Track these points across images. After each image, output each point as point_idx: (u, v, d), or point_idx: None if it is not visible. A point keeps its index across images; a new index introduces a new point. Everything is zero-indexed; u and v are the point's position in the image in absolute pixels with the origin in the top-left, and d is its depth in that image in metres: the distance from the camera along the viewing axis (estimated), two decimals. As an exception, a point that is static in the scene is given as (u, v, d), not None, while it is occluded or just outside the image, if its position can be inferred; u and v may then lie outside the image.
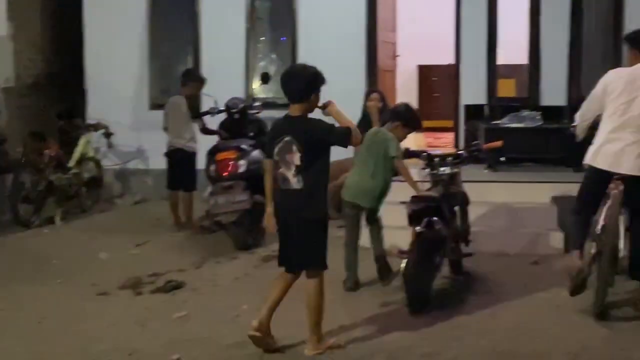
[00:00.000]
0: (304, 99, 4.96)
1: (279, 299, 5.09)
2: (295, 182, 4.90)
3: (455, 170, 6.48)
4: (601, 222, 5.51)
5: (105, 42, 10.53)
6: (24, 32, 10.87)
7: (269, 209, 5.09)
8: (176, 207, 8.63)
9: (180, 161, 8.49)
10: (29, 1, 11.04)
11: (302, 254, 5.01)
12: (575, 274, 5.62)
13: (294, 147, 4.87)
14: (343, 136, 4.94)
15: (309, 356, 4.98)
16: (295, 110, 4.98)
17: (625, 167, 5.46)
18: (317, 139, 4.91)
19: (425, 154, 6.53)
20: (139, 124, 10.36)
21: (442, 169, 6.41)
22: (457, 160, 6.51)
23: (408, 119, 6.34)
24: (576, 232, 5.76)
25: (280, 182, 4.96)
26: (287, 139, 4.90)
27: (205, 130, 8.60)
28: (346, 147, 5.04)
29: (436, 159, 6.45)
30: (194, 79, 8.70)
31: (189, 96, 8.56)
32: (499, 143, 6.71)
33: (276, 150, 4.94)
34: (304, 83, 4.99)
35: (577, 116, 5.92)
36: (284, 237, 5.08)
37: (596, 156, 5.59)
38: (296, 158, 4.87)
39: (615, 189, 5.46)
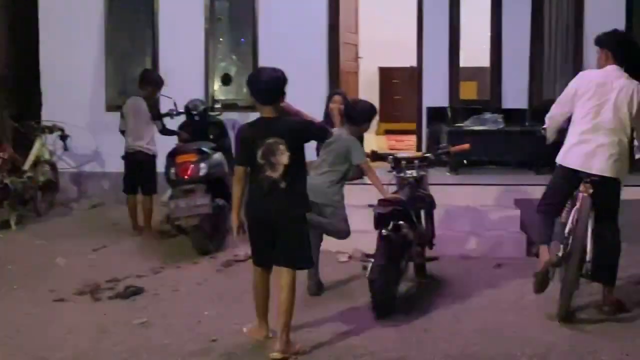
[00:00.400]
0: (277, 101, 5.08)
1: (267, 300, 5.27)
2: (282, 183, 4.97)
3: (423, 173, 6.49)
4: (569, 225, 5.56)
5: (61, 42, 10.36)
6: (-25, 32, 10.67)
7: (236, 216, 5.17)
8: (135, 211, 8.51)
9: (140, 164, 8.37)
10: (-19, 1, 10.84)
11: (292, 252, 5.08)
12: (540, 271, 5.67)
13: (282, 147, 4.94)
14: (322, 131, 5.36)
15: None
16: (269, 112, 5.06)
17: (596, 168, 5.52)
18: (302, 137, 5.10)
19: (392, 156, 6.52)
20: (95, 125, 10.22)
21: (409, 171, 6.42)
22: (424, 162, 6.52)
23: (352, 117, 6.31)
24: (543, 229, 5.82)
25: (265, 185, 4.99)
26: (270, 140, 4.95)
27: (165, 131, 8.48)
28: (324, 141, 5.52)
29: (403, 162, 6.45)
30: (152, 81, 8.59)
31: (147, 98, 8.44)
32: (466, 146, 6.70)
33: (259, 154, 4.96)
34: (277, 85, 5.09)
35: (547, 118, 5.96)
36: (264, 238, 5.13)
37: (567, 156, 5.65)
38: (284, 158, 4.94)
39: (584, 192, 5.51)
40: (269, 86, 5.06)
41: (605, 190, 5.54)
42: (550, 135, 5.95)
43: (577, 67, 9.25)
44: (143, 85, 8.51)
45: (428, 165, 6.59)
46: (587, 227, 5.46)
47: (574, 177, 5.60)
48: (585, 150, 5.56)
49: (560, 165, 5.70)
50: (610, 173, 5.55)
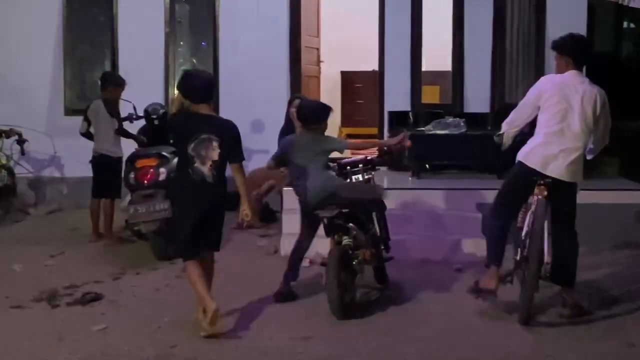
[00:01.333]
0: (211, 99, 5.77)
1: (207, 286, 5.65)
2: (210, 177, 5.51)
3: (368, 176, 6.60)
4: (525, 227, 5.67)
5: (18, 44, 10.31)
6: None
7: None
8: (96, 217, 8.47)
9: (104, 167, 8.33)
10: None
11: (218, 238, 5.79)
12: (490, 290, 5.85)
13: (214, 144, 5.48)
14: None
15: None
16: (205, 108, 5.60)
17: (554, 172, 5.64)
18: (234, 138, 5.67)
19: (335, 163, 6.60)
20: (54, 130, 10.17)
21: (354, 176, 6.55)
22: (368, 165, 6.63)
23: (305, 119, 6.34)
24: (495, 242, 5.92)
25: (193, 176, 5.50)
26: (204, 136, 5.46)
27: (122, 132, 8.43)
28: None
29: (348, 167, 6.57)
30: (113, 81, 8.54)
31: (110, 99, 8.39)
32: (404, 139, 6.64)
33: (191, 146, 5.45)
34: (213, 84, 5.90)
35: (505, 124, 6.04)
36: (196, 227, 5.56)
37: (529, 155, 5.76)
38: (215, 154, 5.48)
39: (539, 194, 5.63)
40: (208, 85, 5.71)
41: (562, 194, 5.67)
42: (507, 140, 6.05)
43: (539, 71, 9.42)
44: (104, 87, 8.46)
45: (373, 168, 6.71)
46: (544, 230, 5.58)
47: (531, 178, 5.71)
48: (549, 152, 5.68)
49: (521, 162, 5.78)
50: (568, 177, 5.68)
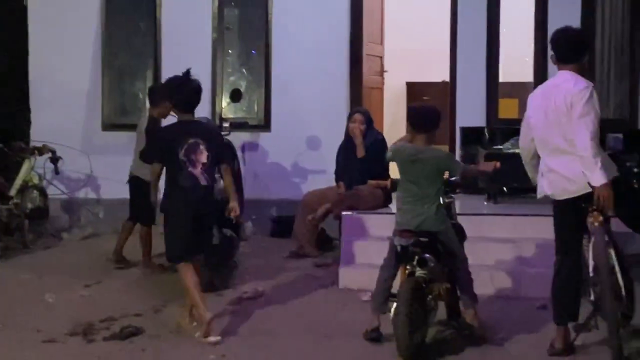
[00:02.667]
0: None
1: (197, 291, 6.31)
2: (202, 179, 6.29)
3: (449, 199, 6.52)
4: (591, 263, 5.60)
5: (53, 54, 10.54)
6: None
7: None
8: (125, 238, 8.62)
9: (136, 189, 8.36)
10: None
11: (210, 241, 6.68)
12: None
13: (201, 147, 6.29)
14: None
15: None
16: (190, 116, 6.47)
17: (579, 189, 5.57)
18: (218, 140, 6.65)
19: None
20: (90, 147, 10.34)
21: None
22: (449, 188, 6.54)
23: (420, 124, 6.22)
24: (562, 298, 5.78)
25: (186, 180, 6.26)
26: (192, 140, 6.28)
27: (141, 155, 8.43)
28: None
29: None
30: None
31: (159, 116, 8.42)
32: (492, 164, 6.63)
33: (182, 152, 6.23)
34: (201, 92, 6.59)
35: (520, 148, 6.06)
36: (189, 230, 6.29)
37: (547, 189, 5.75)
38: (204, 157, 6.29)
39: (595, 221, 5.55)
40: (199, 93, 6.54)
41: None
42: (530, 173, 6.03)
43: (634, 81, 9.28)
44: (155, 103, 8.38)
45: (454, 190, 6.62)
46: (610, 259, 5.51)
47: (573, 209, 5.63)
48: (560, 175, 5.62)
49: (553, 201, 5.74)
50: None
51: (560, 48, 5.73)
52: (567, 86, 5.55)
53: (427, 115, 6.23)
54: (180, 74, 6.53)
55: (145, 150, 7.79)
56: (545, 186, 5.76)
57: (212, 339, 6.14)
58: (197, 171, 6.28)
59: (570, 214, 5.67)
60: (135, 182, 8.37)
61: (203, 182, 6.31)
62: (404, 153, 6.14)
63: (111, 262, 8.58)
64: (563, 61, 5.70)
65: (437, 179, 6.09)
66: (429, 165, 6.05)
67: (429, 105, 6.53)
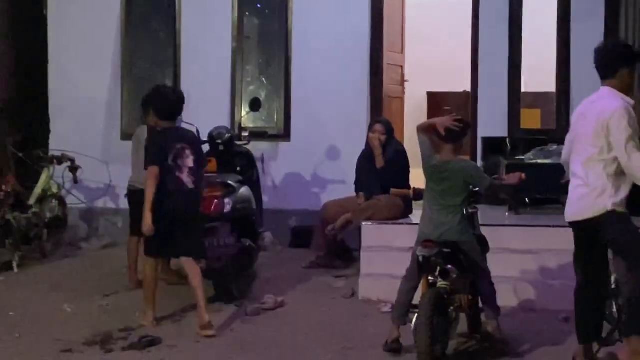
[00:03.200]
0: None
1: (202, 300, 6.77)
2: (189, 182, 6.79)
3: (472, 210, 6.49)
4: (613, 276, 5.66)
5: (73, 64, 10.61)
6: (-22, 51, 10.93)
7: (149, 213, 6.63)
8: (135, 257, 8.19)
9: (139, 203, 7.46)
10: (-15, 16, 11.12)
11: (200, 246, 6.95)
12: None
13: (187, 152, 6.81)
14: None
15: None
16: (172, 123, 7.05)
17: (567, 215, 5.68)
18: (200, 145, 7.29)
19: None
20: (109, 156, 10.39)
21: None
22: (474, 198, 6.50)
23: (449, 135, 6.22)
24: (583, 316, 5.72)
25: (173, 184, 6.73)
26: (179, 146, 6.79)
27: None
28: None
29: None
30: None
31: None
32: (517, 176, 6.58)
33: (171, 157, 6.73)
34: (183, 101, 7.15)
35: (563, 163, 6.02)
36: (167, 230, 6.71)
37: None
38: (190, 161, 6.82)
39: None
40: (181, 102, 7.10)
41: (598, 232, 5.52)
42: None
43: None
44: (148, 112, 7.95)
45: (477, 201, 6.59)
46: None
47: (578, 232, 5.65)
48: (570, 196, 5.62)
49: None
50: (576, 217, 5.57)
51: (595, 62, 5.72)
52: (601, 104, 5.51)
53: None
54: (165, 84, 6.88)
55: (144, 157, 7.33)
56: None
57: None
58: (185, 175, 6.79)
59: (577, 235, 5.68)
60: (139, 195, 7.63)
61: (190, 185, 6.81)
62: (431, 163, 6.12)
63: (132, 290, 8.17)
64: (600, 77, 5.67)
65: (463, 190, 6.07)
66: (456, 176, 6.03)
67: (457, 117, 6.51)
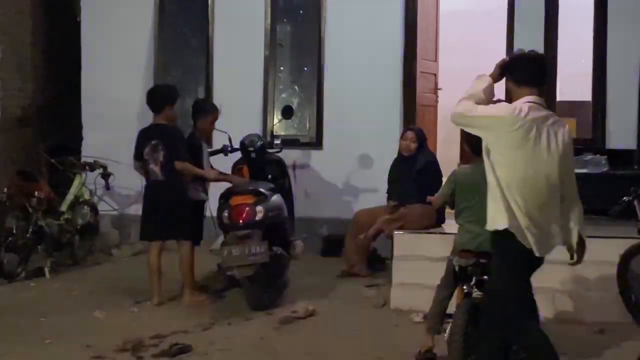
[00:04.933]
0: (160, 111, 7.97)
1: (159, 269, 7.92)
2: (160, 175, 7.80)
3: None
4: None
5: (106, 70, 10.70)
6: (12, 58, 11.08)
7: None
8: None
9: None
10: (19, 23, 11.26)
11: (177, 229, 7.85)
12: None
13: (159, 147, 7.75)
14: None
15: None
16: (159, 118, 7.97)
17: None
18: (173, 140, 7.84)
19: None
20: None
21: None
22: None
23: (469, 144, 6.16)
24: None
25: (149, 175, 7.86)
26: (154, 142, 7.78)
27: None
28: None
29: None
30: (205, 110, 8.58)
31: (200, 132, 8.44)
32: None
33: (146, 150, 7.83)
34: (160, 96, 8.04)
35: None
36: (149, 217, 7.95)
37: None
38: (160, 155, 7.75)
39: None
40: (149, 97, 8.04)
41: None
42: None
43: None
44: (195, 118, 8.45)
45: None
46: None
47: None
48: None
49: None
50: None
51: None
52: None
53: None
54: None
55: None
56: None
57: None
58: (157, 168, 7.79)
59: None
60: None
61: (160, 177, 7.80)
62: (464, 175, 6.09)
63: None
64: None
65: None
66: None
67: None
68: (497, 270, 5.19)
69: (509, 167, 4.94)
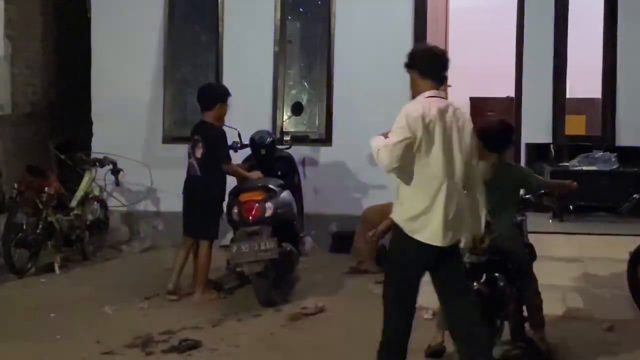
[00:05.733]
0: (208, 109, 8.07)
1: (184, 262, 8.02)
2: (198, 170, 7.86)
3: (521, 218, 6.43)
4: None
5: (115, 66, 10.69)
6: (22, 54, 11.10)
7: None
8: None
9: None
10: (29, 19, 11.29)
11: (201, 227, 7.91)
12: None
13: (200, 144, 7.88)
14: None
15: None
16: (207, 116, 8.05)
17: None
18: (213, 140, 7.96)
19: None
20: (151, 159, 10.42)
21: None
22: (522, 205, 6.45)
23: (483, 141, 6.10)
24: None
25: (189, 169, 7.95)
26: (196, 137, 7.96)
27: None
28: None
29: None
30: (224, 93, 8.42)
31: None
32: (571, 183, 6.51)
33: (189, 145, 8.00)
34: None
35: None
36: (185, 211, 8.05)
37: None
38: (199, 152, 7.89)
39: None
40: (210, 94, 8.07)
41: None
42: None
43: None
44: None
45: (526, 208, 6.53)
46: None
47: None
48: None
49: None
50: None
51: None
52: None
53: (500, 133, 6.18)
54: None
55: None
56: None
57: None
58: (195, 162, 7.88)
59: None
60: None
61: (198, 172, 7.87)
62: (486, 179, 6.07)
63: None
64: None
65: (514, 197, 6.04)
66: (508, 183, 6.00)
67: (500, 121, 6.48)
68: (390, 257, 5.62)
69: (423, 162, 5.15)
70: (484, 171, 6.01)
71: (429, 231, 5.13)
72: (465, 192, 5.30)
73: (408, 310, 5.36)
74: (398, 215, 5.27)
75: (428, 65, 5.38)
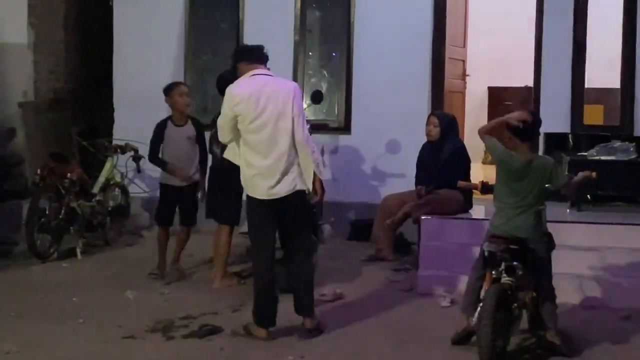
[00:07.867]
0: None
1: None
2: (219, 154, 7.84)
3: (540, 207, 6.40)
4: None
5: (137, 54, 10.74)
6: (45, 41, 11.16)
7: None
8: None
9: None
10: (52, 6, 11.34)
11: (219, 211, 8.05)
12: None
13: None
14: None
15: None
16: None
17: None
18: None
19: None
20: (172, 146, 10.43)
21: None
22: (543, 195, 6.42)
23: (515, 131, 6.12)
24: None
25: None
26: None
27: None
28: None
29: None
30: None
31: None
32: (590, 174, 6.47)
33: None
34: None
35: None
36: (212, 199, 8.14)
37: None
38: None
39: None
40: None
41: None
42: None
43: None
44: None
45: (547, 198, 6.50)
46: None
47: None
48: None
49: None
50: None
51: None
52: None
53: (531, 124, 6.16)
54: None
55: None
56: None
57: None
58: (218, 150, 7.82)
59: None
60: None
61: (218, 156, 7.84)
62: (513, 163, 6.06)
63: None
64: None
65: (540, 187, 6.03)
66: (537, 174, 5.99)
67: (532, 113, 6.45)
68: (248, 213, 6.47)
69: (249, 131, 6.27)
70: (514, 157, 6.01)
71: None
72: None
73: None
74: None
75: (255, 55, 6.71)
